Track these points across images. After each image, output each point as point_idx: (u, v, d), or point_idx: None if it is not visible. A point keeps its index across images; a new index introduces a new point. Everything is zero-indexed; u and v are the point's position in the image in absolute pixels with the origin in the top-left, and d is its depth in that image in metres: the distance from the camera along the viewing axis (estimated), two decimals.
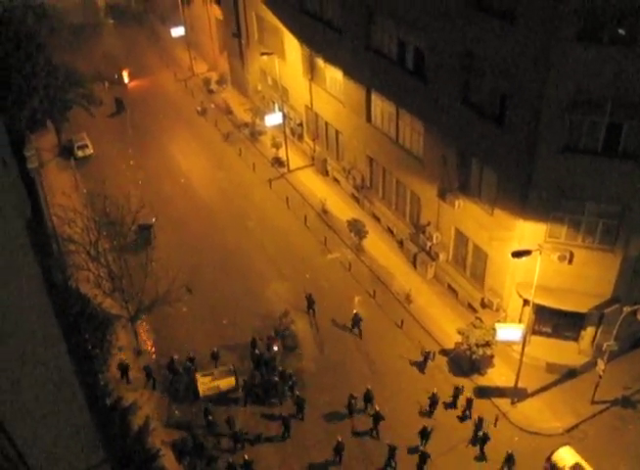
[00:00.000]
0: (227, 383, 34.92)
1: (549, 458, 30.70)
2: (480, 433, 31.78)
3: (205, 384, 34.63)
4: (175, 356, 35.73)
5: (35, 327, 12.93)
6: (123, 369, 35.49)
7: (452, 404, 34.10)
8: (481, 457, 31.72)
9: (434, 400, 33.46)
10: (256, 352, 36.19)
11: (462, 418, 33.60)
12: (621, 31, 27.01)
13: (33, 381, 11.85)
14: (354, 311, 38.58)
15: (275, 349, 36.56)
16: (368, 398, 33.61)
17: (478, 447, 31.89)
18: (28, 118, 47.78)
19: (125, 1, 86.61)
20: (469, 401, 33.43)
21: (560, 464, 30.17)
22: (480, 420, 32.18)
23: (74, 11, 76.59)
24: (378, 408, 32.77)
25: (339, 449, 31.38)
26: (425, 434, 31.73)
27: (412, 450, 31.72)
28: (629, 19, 26.58)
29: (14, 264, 14.41)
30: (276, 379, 34.84)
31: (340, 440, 31.36)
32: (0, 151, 25.47)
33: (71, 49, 65.93)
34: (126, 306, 36.17)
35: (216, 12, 64.64)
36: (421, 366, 36.18)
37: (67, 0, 78.08)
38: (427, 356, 36.01)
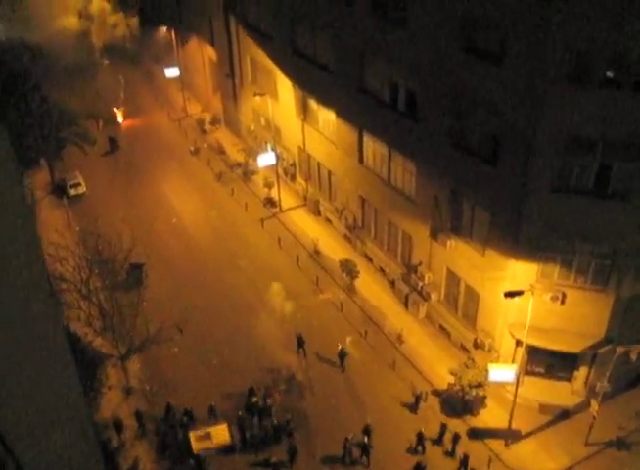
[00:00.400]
0: (222, 441, 33.91)
1: None
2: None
3: (199, 442, 33.58)
4: (171, 402, 35.24)
5: (50, 361, 12.94)
6: (118, 426, 34.42)
7: (439, 441, 33.96)
8: None
9: (420, 438, 33.30)
10: (253, 400, 35.41)
11: (450, 454, 33.42)
12: (609, 74, 27.52)
13: (46, 413, 11.79)
14: (340, 346, 38.54)
15: (270, 400, 35.80)
16: (367, 431, 33.38)
17: None
18: (23, 156, 47.97)
19: (121, 41, 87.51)
20: (455, 438, 33.24)
21: None
22: (466, 457, 32.02)
23: (70, 51, 77.30)
24: (366, 440, 32.77)
25: None
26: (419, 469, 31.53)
27: None
28: (617, 62, 27.09)
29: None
30: (271, 428, 34.33)
31: None
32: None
33: (66, 88, 66.36)
34: (117, 345, 35.92)
35: (210, 53, 65.41)
36: (413, 407, 35.92)
37: (62, 40, 78.98)
38: (418, 397, 35.79)
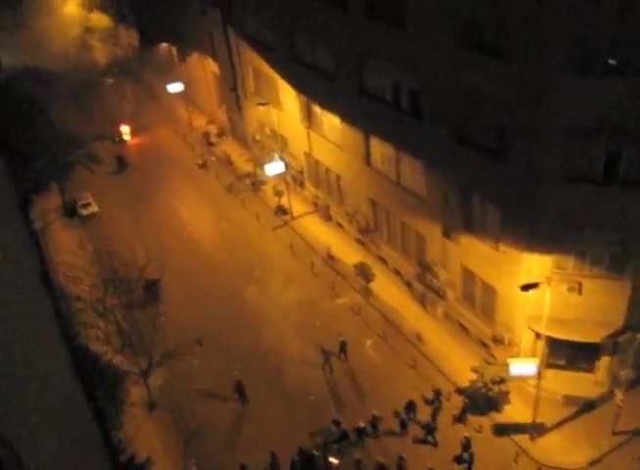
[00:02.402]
0: None
1: None
2: (467, 454, 31.98)
3: None
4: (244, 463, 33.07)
5: (54, 382, 12.97)
6: None
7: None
8: None
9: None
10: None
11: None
12: (612, 62, 27.44)
13: (54, 435, 11.83)
14: (340, 339, 38.99)
15: (336, 461, 33.39)
16: (411, 408, 34.92)
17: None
18: (33, 181, 48.32)
19: (124, 59, 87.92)
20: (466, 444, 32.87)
21: None
22: (468, 441, 32.19)
23: (72, 72, 77.81)
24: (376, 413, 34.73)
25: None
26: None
27: None
28: (620, 49, 27.03)
29: (32, 320, 14.48)
30: None
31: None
32: (8, 212, 25.86)
33: (73, 110, 66.83)
34: (137, 362, 36.06)
35: (212, 67, 65.68)
36: (434, 403, 35.79)
37: (65, 60, 79.62)
38: (437, 392, 35.77)
